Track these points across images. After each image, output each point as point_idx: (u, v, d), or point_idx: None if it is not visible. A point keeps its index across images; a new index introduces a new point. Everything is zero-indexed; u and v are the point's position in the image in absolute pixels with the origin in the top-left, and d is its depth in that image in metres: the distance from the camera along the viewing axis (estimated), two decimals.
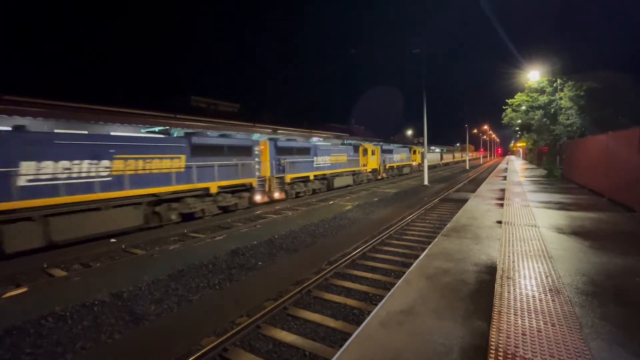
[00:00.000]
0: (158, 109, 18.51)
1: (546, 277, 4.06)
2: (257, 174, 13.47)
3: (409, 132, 75.45)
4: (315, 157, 17.64)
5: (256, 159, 13.50)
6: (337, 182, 19.70)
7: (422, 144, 34.29)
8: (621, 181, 8.75)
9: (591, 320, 3.05)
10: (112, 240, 8.76)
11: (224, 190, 11.96)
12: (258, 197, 13.65)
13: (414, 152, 36.67)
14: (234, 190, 12.46)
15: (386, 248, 8.18)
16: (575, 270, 4.29)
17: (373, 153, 24.84)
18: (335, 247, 8.21)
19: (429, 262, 4.91)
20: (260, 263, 7.33)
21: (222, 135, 13.43)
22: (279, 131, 25.71)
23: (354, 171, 22.01)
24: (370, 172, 24.53)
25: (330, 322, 4.74)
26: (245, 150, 13.03)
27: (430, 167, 35.08)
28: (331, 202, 14.94)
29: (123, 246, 8.23)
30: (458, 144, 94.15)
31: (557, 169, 18.92)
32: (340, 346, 2.96)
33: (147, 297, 5.54)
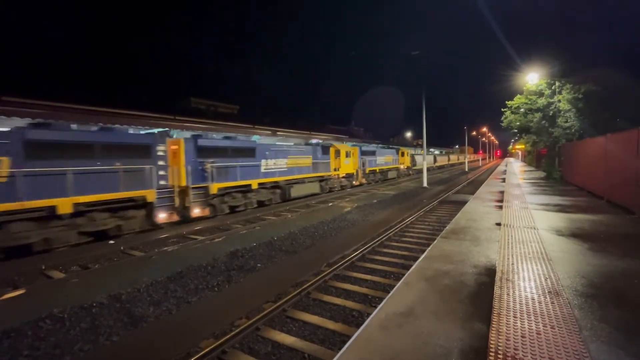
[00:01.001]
0: (158, 110, 18.51)
1: (545, 280, 4.06)
2: (159, 183, 9.84)
3: (409, 134, 75.62)
4: (263, 160, 13.96)
5: (159, 163, 9.84)
6: (296, 191, 16.03)
7: (421, 146, 34.30)
8: (620, 183, 8.78)
9: (590, 322, 3.05)
10: (111, 242, 8.73)
11: (92, 208, 8.40)
12: (162, 216, 9.94)
13: (402, 153, 32.53)
14: (117, 207, 8.96)
15: (385, 250, 8.17)
16: (575, 273, 4.29)
17: (348, 155, 21.05)
18: (335, 249, 8.20)
19: (428, 264, 4.91)
20: (259, 265, 7.32)
21: (102, 129, 9.89)
22: (278, 133, 25.77)
23: (322, 177, 18.35)
24: (344, 177, 20.93)
25: (330, 324, 4.73)
26: (138, 151, 9.35)
27: (419, 171, 34.12)
28: (330, 204, 14.94)
29: (122, 248, 8.21)
30: (457, 146, 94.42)
31: (556, 171, 18.97)
32: (340, 348, 2.95)
33: (146, 299, 5.52)
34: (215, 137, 13.58)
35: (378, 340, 2.94)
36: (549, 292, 3.71)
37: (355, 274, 6.62)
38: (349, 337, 3.13)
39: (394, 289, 4.10)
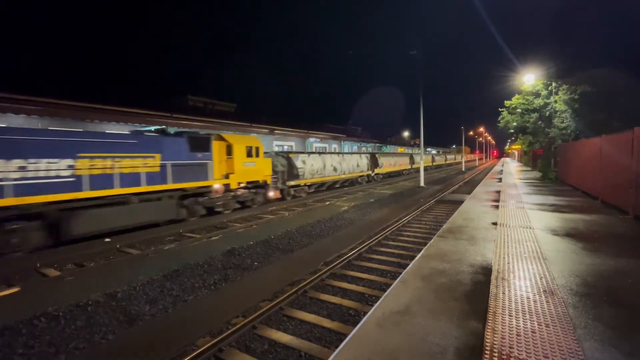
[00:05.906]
0: (155, 108, 18.39)
1: (540, 279, 4.10)
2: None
3: (406, 134, 75.76)
4: None
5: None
6: None
7: (418, 145, 34.33)
8: (614, 184, 8.86)
9: (584, 321, 3.09)
10: (107, 239, 8.68)
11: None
12: None
13: (230, 150, 11.97)
14: None
15: (382, 249, 8.19)
16: (569, 272, 4.33)
17: None
18: (332, 248, 8.21)
19: (425, 262, 4.93)
20: (256, 263, 7.31)
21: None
22: (276, 131, 25.67)
23: None
24: None
25: (326, 323, 4.74)
26: None
27: (320, 186, 18.64)
28: (327, 203, 14.96)
29: (118, 246, 8.16)
30: (454, 146, 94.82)
31: (551, 172, 19.09)
32: (337, 347, 2.96)
33: (142, 297, 5.50)
34: None
35: (375, 338, 2.96)
36: (544, 291, 3.74)
37: (352, 273, 6.63)
38: (345, 336, 3.14)
39: (391, 287, 4.12)
